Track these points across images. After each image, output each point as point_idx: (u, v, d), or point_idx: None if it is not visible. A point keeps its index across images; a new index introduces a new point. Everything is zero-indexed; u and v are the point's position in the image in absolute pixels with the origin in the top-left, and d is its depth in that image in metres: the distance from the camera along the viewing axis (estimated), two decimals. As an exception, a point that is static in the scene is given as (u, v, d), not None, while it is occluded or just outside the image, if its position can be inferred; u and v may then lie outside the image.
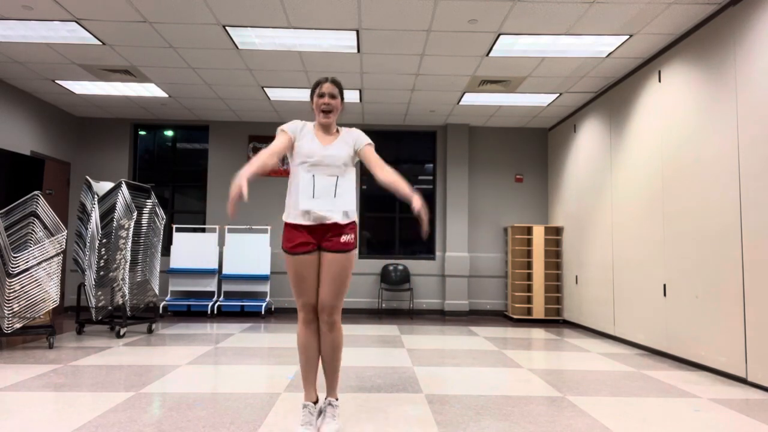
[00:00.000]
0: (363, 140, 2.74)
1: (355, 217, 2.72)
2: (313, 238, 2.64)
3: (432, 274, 8.37)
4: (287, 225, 2.66)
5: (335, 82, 2.72)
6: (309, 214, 2.60)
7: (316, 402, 2.73)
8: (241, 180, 2.28)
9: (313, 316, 2.69)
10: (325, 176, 2.62)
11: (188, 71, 6.17)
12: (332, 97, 2.70)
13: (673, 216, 4.88)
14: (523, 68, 5.89)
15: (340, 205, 2.63)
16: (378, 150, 10.22)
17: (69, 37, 5.21)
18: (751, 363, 3.88)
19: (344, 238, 2.64)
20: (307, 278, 2.63)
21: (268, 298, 7.92)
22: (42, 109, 7.44)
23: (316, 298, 2.67)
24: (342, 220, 2.64)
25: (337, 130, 2.77)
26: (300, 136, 2.68)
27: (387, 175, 2.59)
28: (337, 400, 2.77)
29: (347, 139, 2.73)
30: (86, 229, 5.71)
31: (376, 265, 8.35)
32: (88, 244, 5.61)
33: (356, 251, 2.72)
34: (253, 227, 8.23)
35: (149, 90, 6.90)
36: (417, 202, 2.44)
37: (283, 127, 2.69)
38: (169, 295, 7.85)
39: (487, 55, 5.52)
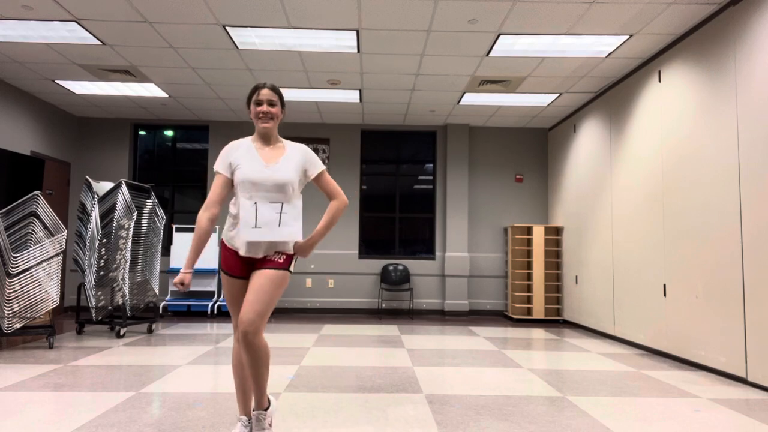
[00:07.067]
0: (317, 166, 2.53)
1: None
2: (247, 267, 2.47)
3: (432, 274, 8.37)
4: (225, 245, 2.49)
5: (274, 89, 2.49)
6: (250, 245, 2.39)
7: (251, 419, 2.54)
8: (185, 279, 2.33)
9: None
10: (267, 203, 2.39)
11: (188, 71, 6.17)
12: (271, 104, 2.47)
13: (673, 216, 4.88)
14: (523, 68, 5.89)
15: (285, 235, 2.40)
16: (378, 150, 10.10)
17: (69, 37, 5.22)
18: (751, 363, 3.88)
19: (276, 258, 2.43)
20: (240, 302, 2.48)
21: (268, 298, 7.91)
22: (42, 109, 7.44)
23: None
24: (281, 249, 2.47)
25: (281, 142, 2.54)
26: (236, 159, 2.44)
27: (335, 209, 2.52)
28: (266, 409, 2.50)
29: (296, 158, 2.49)
30: (86, 229, 5.71)
31: (376, 265, 8.35)
32: (88, 244, 5.61)
33: (287, 273, 2.45)
34: (253, 227, 8.22)
35: (149, 90, 6.90)
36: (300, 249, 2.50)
37: (216, 167, 2.47)
38: (169, 295, 7.86)
39: (487, 55, 5.52)
